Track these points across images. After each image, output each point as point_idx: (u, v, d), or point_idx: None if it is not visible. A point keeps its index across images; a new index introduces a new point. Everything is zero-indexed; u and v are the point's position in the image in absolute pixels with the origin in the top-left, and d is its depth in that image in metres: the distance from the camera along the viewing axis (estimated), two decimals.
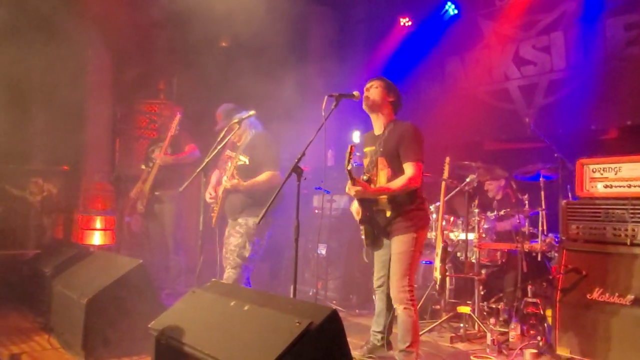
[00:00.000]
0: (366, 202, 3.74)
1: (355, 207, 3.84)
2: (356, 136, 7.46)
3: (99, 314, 3.58)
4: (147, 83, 7.49)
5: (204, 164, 4.60)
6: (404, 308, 3.57)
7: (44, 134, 6.41)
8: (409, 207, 3.67)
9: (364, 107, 3.82)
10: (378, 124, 3.87)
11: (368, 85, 3.84)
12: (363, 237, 3.86)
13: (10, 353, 3.71)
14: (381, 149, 3.72)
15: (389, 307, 3.87)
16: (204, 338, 2.51)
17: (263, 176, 4.67)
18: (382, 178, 3.70)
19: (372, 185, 3.70)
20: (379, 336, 3.98)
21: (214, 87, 6.77)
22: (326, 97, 3.56)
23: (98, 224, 6.10)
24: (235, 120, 4.63)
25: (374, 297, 4.31)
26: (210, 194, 4.76)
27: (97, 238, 6.09)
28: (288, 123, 6.12)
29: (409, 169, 3.60)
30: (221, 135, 4.79)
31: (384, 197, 3.66)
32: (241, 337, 2.38)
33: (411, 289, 3.60)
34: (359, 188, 3.55)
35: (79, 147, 6.60)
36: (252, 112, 4.69)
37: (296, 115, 6.48)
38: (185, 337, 2.58)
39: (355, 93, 3.70)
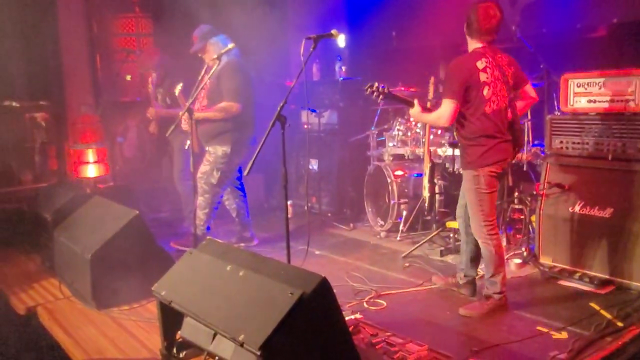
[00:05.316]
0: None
1: None
2: (341, 40, 7.14)
3: (105, 267, 3.72)
4: None
5: (190, 101, 4.56)
6: (482, 242, 3.64)
7: (23, 68, 6.28)
8: (468, 142, 3.59)
9: None
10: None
11: None
12: None
13: (26, 307, 3.88)
14: None
15: (469, 240, 3.84)
16: (203, 305, 2.67)
17: (218, 107, 4.77)
18: None
19: None
20: (462, 274, 3.96)
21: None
22: (304, 40, 3.47)
23: (90, 157, 6.13)
24: (215, 57, 4.55)
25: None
26: (186, 120, 4.80)
27: (91, 171, 6.16)
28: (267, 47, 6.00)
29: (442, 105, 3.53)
30: (202, 72, 4.72)
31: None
32: (237, 306, 2.53)
33: (487, 224, 3.59)
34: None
35: (59, 78, 6.48)
36: (231, 46, 4.61)
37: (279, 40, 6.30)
38: (186, 303, 2.75)
39: (334, 32, 3.58)
